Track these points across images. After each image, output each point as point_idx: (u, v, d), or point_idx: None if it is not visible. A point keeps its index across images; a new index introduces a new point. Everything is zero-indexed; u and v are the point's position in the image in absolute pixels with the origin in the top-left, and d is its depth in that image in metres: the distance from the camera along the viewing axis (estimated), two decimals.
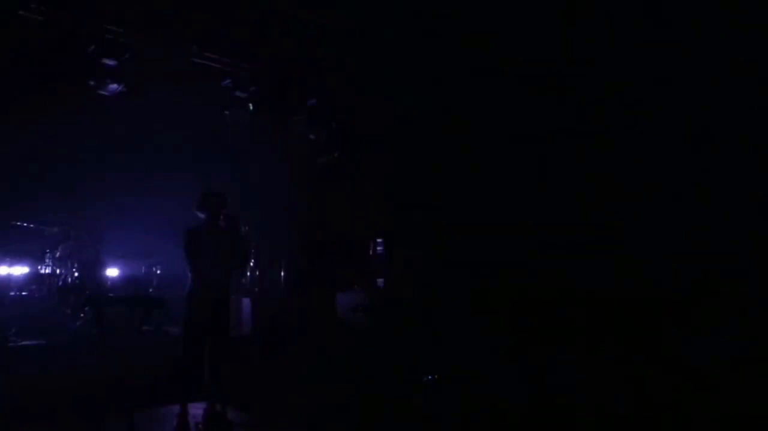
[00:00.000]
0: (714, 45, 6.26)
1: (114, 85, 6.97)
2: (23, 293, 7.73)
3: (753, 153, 6.25)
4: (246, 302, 8.45)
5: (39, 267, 7.93)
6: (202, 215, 5.31)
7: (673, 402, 5.48)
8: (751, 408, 5.05)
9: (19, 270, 7.81)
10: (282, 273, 9.59)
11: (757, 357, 5.57)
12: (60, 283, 7.87)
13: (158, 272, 8.63)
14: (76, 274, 8.01)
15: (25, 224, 8.06)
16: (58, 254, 8.00)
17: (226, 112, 8.49)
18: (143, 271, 8.58)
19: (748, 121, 6.28)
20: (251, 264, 9.36)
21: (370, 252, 9.69)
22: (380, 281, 9.28)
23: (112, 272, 8.33)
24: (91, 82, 6.85)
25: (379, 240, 9.59)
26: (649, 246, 6.79)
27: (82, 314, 7.48)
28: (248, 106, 8.41)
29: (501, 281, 7.83)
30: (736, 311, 6.00)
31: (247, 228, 8.93)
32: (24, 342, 6.66)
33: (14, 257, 7.77)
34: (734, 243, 6.28)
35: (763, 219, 6.12)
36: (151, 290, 8.44)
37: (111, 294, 8.00)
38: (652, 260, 6.74)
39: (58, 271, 7.97)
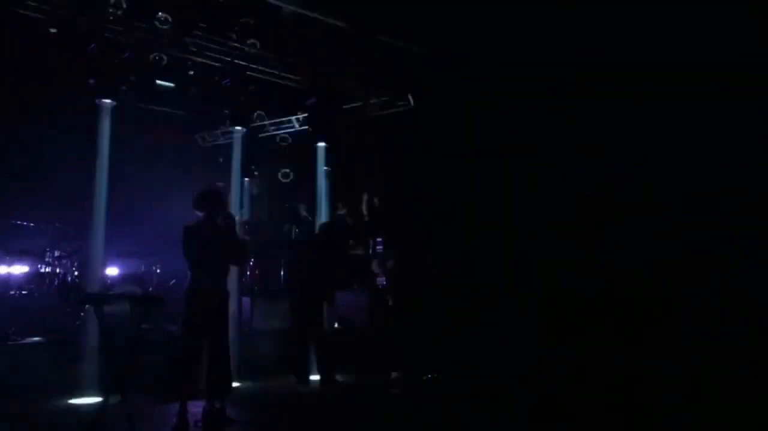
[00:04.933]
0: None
1: (113, 85, 6.97)
2: (23, 292, 7.73)
3: (744, 159, 6.28)
4: (246, 301, 8.46)
5: (39, 266, 7.94)
6: (200, 214, 5.33)
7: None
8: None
9: (19, 269, 7.82)
10: (282, 273, 9.58)
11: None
12: (60, 282, 7.88)
13: (158, 270, 8.64)
14: (75, 273, 8.02)
15: (25, 223, 8.07)
16: (57, 253, 8.02)
17: (226, 111, 8.51)
18: (143, 269, 8.59)
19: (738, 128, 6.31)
20: (251, 264, 9.37)
21: (370, 252, 9.68)
22: (380, 281, 9.28)
23: (112, 270, 8.34)
24: (91, 82, 6.86)
25: (379, 240, 9.59)
26: (641, 250, 6.82)
27: (81, 313, 7.49)
28: (248, 106, 8.44)
29: (500, 280, 7.85)
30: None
31: (247, 227, 8.95)
32: (24, 341, 6.67)
33: (14, 256, 7.77)
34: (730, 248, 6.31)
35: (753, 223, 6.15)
36: (150, 288, 8.45)
37: (110, 293, 8.00)
38: (645, 262, 6.77)
39: (57, 270, 7.99)
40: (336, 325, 8.64)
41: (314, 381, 7.05)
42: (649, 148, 7.04)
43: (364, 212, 8.99)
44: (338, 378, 7.07)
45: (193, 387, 5.20)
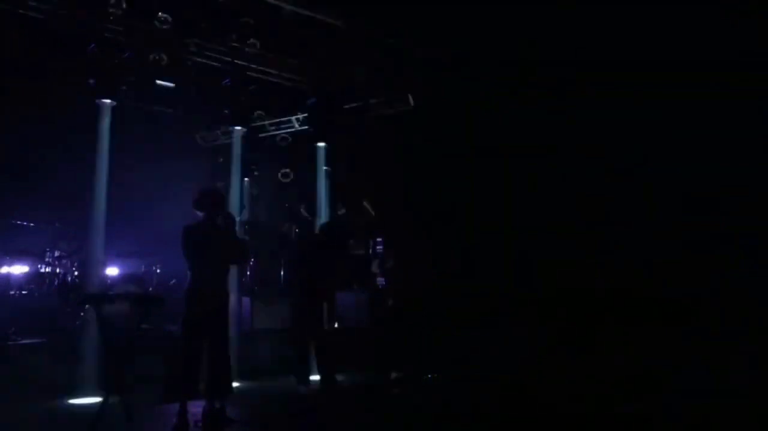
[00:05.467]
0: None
1: (113, 85, 6.98)
2: (23, 292, 7.74)
3: (744, 159, 6.28)
4: (246, 301, 8.46)
5: (39, 266, 7.94)
6: (200, 214, 5.33)
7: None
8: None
9: (19, 269, 7.82)
10: (282, 273, 9.59)
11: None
12: (60, 282, 7.88)
13: (158, 270, 8.65)
14: (75, 273, 8.03)
15: (25, 223, 8.07)
16: (57, 253, 8.02)
17: (226, 111, 8.51)
18: (143, 270, 8.59)
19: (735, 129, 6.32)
20: (251, 263, 9.37)
21: (370, 252, 9.69)
22: (380, 281, 9.28)
23: (112, 270, 8.34)
24: (91, 82, 6.86)
25: (379, 240, 9.60)
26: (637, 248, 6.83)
27: (81, 313, 7.49)
28: (248, 106, 8.45)
29: (500, 280, 7.85)
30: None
31: (247, 227, 8.95)
32: (24, 341, 6.67)
33: (14, 256, 7.78)
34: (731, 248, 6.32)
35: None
36: (150, 288, 8.45)
37: (110, 293, 8.00)
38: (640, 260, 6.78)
39: (57, 270, 7.99)
40: (336, 325, 8.64)
41: (314, 381, 7.04)
42: (649, 148, 7.04)
43: (370, 210, 9.00)
44: (338, 377, 7.08)
45: (193, 387, 5.20)
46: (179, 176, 8.74)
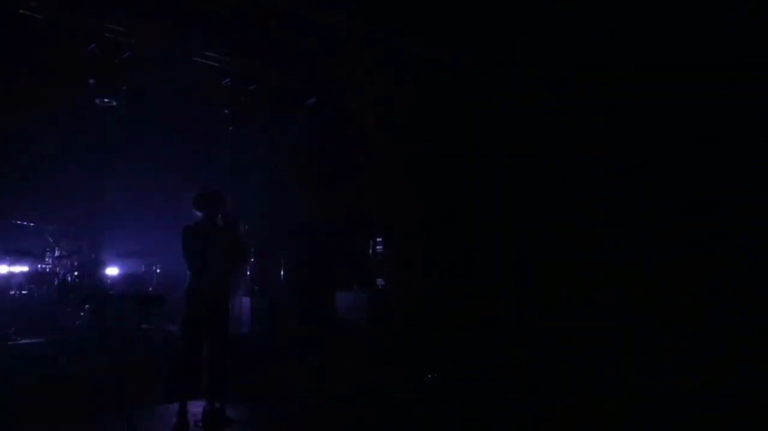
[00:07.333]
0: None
1: (113, 85, 6.99)
2: (23, 292, 7.74)
3: (744, 159, 6.28)
4: (246, 301, 8.46)
5: (39, 266, 7.94)
6: (200, 214, 5.33)
7: None
8: None
9: (19, 269, 7.82)
10: (282, 273, 9.59)
11: None
12: (60, 282, 7.88)
13: (158, 270, 8.65)
14: (75, 273, 8.02)
15: (25, 223, 8.07)
16: (57, 253, 8.02)
17: (226, 111, 8.52)
18: (143, 270, 8.59)
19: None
20: (251, 263, 9.37)
21: (370, 252, 9.69)
22: (380, 281, 9.29)
23: (112, 270, 8.34)
24: (91, 82, 6.87)
25: (379, 240, 9.60)
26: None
27: (81, 313, 7.50)
28: (248, 105, 8.46)
29: (500, 280, 7.85)
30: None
31: (247, 227, 8.94)
32: (24, 341, 6.67)
33: (14, 256, 7.77)
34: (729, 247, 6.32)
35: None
36: (150, 288, 8.45)
37: (111, 293, 8.00)
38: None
39: (57, 270, 7.99)
40: (335, 325, 8.65)
41: (311, 382, 7.04)
42: (649, 148, 7.04)
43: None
44: (337, 378, 7.08)
45: (193, 387, 5.20)
46: (179, 176, 8.74)
